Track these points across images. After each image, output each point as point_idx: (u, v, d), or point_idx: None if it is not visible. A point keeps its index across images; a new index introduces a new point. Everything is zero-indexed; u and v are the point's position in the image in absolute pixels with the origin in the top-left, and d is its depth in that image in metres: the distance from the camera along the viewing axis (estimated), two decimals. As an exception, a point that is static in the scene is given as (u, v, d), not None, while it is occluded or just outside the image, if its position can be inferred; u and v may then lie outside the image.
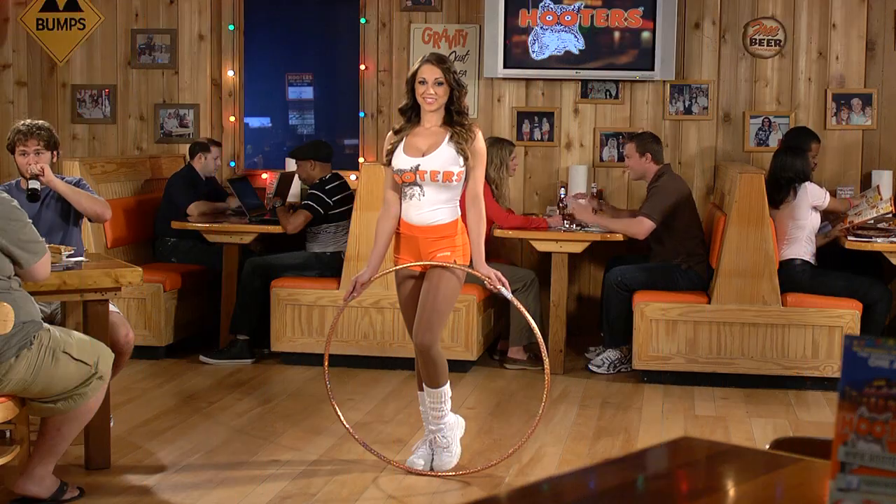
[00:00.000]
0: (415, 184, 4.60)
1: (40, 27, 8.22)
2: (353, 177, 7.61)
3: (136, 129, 8.23)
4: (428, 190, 4.59)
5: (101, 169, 7.10)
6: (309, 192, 7.04)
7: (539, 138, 7.87)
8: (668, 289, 6.55)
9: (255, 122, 8.53)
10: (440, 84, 4.58)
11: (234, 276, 7.04)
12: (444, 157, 4.58)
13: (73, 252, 4.80)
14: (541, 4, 7.57)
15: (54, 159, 5.23)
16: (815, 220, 6.58)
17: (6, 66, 8.33)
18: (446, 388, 4.69)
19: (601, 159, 7.82)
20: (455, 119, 4.63)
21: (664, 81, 7.68)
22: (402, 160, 4.63)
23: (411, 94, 4.65)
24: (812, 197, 6.51)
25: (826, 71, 7.62)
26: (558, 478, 2.41)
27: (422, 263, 4.64)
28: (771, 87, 7.68)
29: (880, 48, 7.57)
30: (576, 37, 7.57)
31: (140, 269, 4.75)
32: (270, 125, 8.68)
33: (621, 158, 7.70)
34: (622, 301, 6.60)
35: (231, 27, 8.13)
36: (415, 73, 4.63)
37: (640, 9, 7.48)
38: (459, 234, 4.65)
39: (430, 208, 4.61)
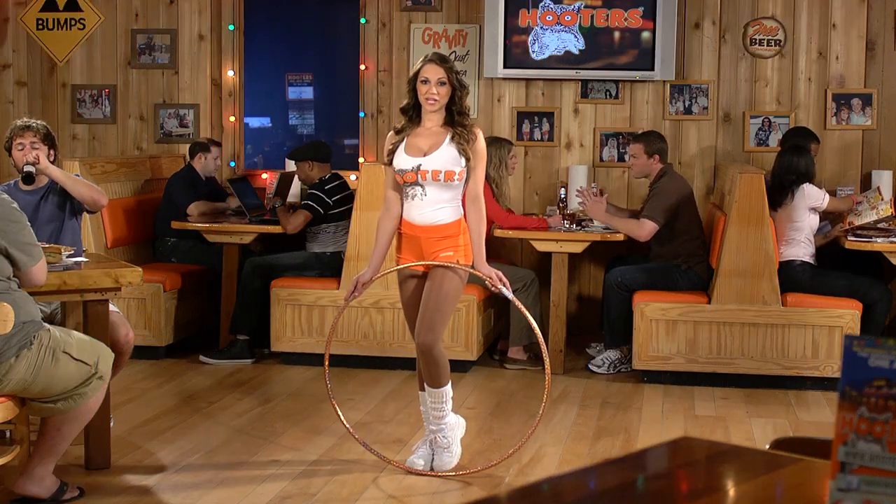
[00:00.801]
0: (416, 184, 4.59)
1: (40, 27, 8.22)
2: (353, 177, 7.61)
3: (136, 129, 8.23)
4: (430, 190, 4.59)
5: (101, 169, 7.10)
6: (309, 192, 7.04)
7: (539, 138, 7.86)
8: (669, 289, 6.55)
9: (255, 122, 8.53)
10: (443, 84, 4.56)
11: (234, 276, 7.04)
12: (446, 157, 4.58)
13: (73, 252, 4.79)
14: (541, 4, 7.57)
15: (51, 158, 5.19)
16: (812, 221, 6.57)
17: (6, 66, 8.33)
18: (448, 389, 4.68)
19: (601, 159, 7.82)
20: (456, 119, 4.62)
21: (664, 81, 7.68)
22: (403, 160, 4.62)
23: (413, 93, 4.64)
24: (809, 198, 6.51)
25: (826, 71, 7.62)
26: (558, 478, 2.41)
27: (424, 263, 4.64)
28: (771, 87, 7.68)
29: (880, 48, 7.57)
30: (576, 37, 7.57)
31: (140, 269, 4.74)
32: (270, 125, 8.68)
33: (621, 158, 7.71)
34: (622, 301, 6.60)
35: (231, 27, 8.12)
36: (417, 73, 4.61)
37: (640, 9, 7.48)
38: (462, 234, 4.63)
39: (432, 208, 4.61)
